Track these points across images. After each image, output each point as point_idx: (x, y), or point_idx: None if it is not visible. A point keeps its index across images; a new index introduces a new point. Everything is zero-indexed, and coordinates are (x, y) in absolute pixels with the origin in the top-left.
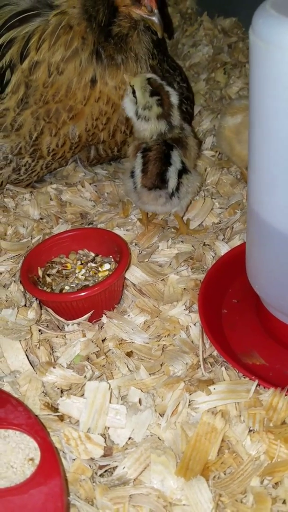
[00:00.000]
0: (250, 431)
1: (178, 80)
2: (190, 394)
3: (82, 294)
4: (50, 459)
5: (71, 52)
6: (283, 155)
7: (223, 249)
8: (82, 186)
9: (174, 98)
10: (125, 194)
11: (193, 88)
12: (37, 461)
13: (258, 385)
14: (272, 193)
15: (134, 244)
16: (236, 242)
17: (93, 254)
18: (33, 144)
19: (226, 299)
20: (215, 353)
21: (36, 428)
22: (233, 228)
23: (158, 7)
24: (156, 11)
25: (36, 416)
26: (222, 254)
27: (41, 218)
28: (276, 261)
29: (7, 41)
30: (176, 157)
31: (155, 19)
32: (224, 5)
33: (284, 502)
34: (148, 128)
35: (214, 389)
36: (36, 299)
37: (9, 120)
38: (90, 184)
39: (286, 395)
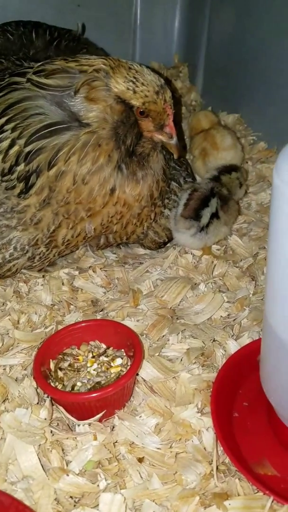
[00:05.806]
0: None
1: (184, 176)
2: (205, 509)
3: (95, 395)
4: None
5: (97, 167)
6: None
7: (232, 346)
8: (94, 271)
9: None
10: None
11: None
12: None
13: (273, 500)
14: (284, 309)
15: (144, 336)
16: (245, 340)
17: (104, 346)
18: (49, 236)
19: (237, 402)
20: (227, 460)
21: None
22: (241, 324)
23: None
24: (175, 137)
25: None
26: (232, 353)
27: (53, 304)
28: None
29: (36, 149)
30: (214, 202)
31: (173, 143)
32: (227, 101)
33: None
34: None
35: (230, 504)
36: (47, 396)
37: (28, 215)
38: (100, 269)
39: None
